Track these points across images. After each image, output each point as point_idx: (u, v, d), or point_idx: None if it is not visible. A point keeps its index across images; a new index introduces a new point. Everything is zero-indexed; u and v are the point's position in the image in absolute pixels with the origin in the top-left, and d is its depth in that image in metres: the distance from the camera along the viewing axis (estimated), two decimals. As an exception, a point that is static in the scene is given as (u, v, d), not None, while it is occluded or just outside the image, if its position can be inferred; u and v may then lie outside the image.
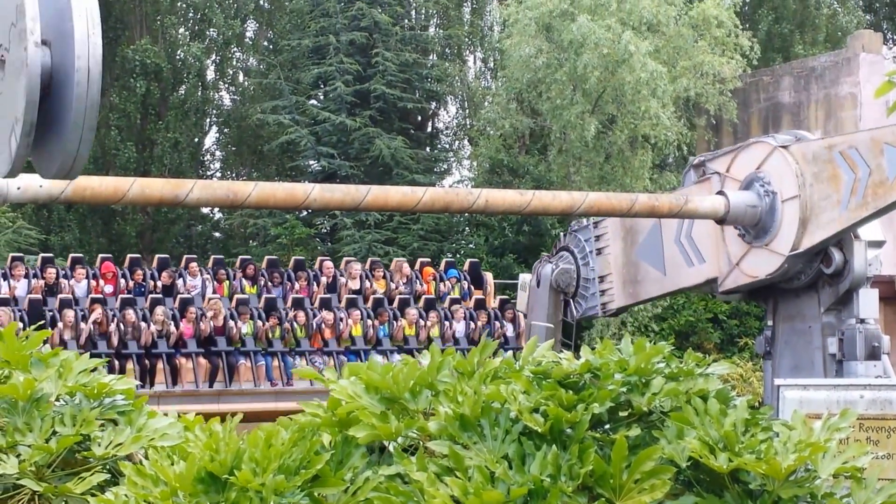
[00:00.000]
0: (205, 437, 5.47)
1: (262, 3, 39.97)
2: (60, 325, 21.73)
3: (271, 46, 38.53)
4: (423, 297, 26.11)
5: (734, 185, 22.54)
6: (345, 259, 27.14)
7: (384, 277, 26.15)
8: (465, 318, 25.52)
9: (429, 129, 40.18)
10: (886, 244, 23.29)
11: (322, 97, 36.07)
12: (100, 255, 25.50)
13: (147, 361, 22.33)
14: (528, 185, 32.26)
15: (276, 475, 5.09)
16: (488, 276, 27.86)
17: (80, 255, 26.44)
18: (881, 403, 16.87)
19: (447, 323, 25.32)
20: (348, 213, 32.01)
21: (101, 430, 5.78)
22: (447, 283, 26.75)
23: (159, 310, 22.79)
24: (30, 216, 32.94)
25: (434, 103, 38.88)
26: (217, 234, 38.62)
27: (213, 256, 26.95)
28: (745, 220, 23.05)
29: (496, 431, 5.31)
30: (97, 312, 22.04)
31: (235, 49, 39.53)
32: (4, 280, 22.61)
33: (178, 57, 37.01)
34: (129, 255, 26.46)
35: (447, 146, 40.32)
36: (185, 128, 36.45)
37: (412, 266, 26.83)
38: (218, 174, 39.46)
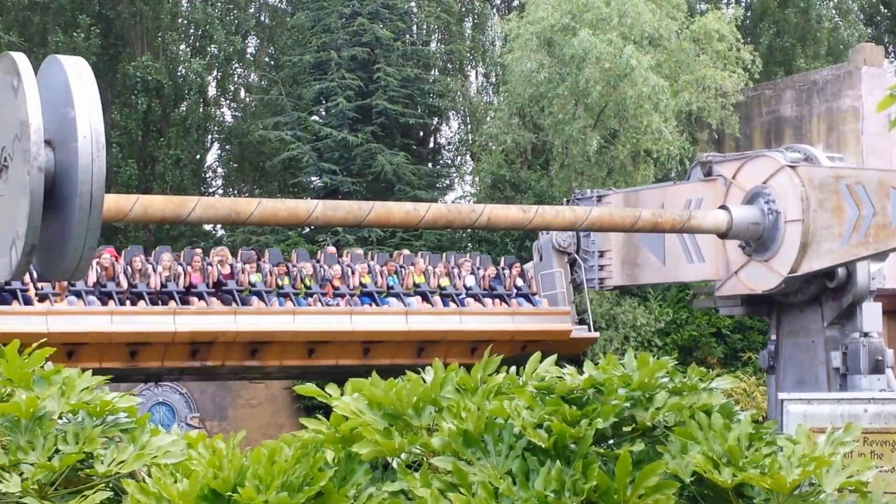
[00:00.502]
0: (208, 454, 5.48)
1: (263, 19, 40.13)
2: None
3: (273, 62, 38.58)
4: (429, 254, 26.42)
5: (739, 193, 22.60)
6: (346, 250, 27.50)
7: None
8: (472, 272, 25.53)
9: (431, 145, 40.23)
10: (889, 258, 23.42)
11: (324, 113, 36.11)
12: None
13: (159, 300, 22.19)
14: (530, 201, 32.31)
15: (280, 492, 5.09)
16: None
17: None
18: (885, 417, 16.86)
19: (456, 269, 25.32)
20: (351, 230, 32.04)
21: (103, 448, 5.77)
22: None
23: (165, 255, 22.76)
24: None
25: (436, 119, 38.91)
26: (219, 251, 38.67)
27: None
28: (747, 235, 23.08)
29: (500, 447, 5.32)
30: (104, 256, 22.00)
31: (237, 65, 39.62)
32: None
33: (179, 73, 37.04)
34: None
35: (449, 161, 40.38)
36: (186, 144, 36.47)
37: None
38: (220, 191, 39.50)
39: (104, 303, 21.81)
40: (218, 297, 22.55)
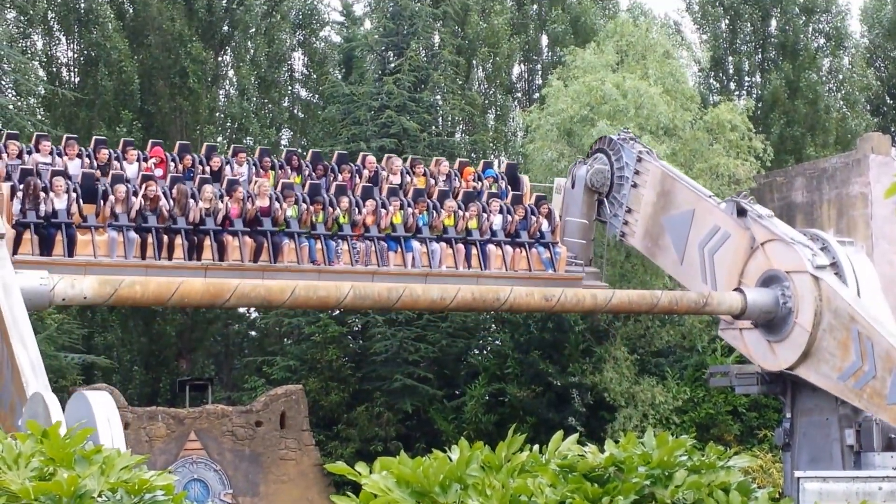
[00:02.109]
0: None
1: (296, 112, 41.07)
2: (112, 198, 22.29)
3: (305, 154, 39.55)
4: (462, 191, 26.75)
5: (762, 261, 23.60)
6: (386, 155, 28.09)
7: (424, 175, 26.81)
8: (501, 212, 26.02)
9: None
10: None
11: None
12: (150, 140, 26.08)
13: (195, 238, 22.85)
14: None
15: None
16: (525, 178, 28.51)
17: (132, 139, 27.03)
18: (900, 495, 17.70)
19: (485, 215, 25.78)
20: (380, 311, 32.89)
21: (141, 525, 5.99)
22: (485, 181, 27.28)
23: (207, 188, 23.26)
24: (74, 315, 34.05)
25: None
26: (253, 333, 39.63)
27: (259, 147, 27.67)
28: (759, 318, 24.20)
29: (524, 525, 5.30)
30: (150, 187, 22.60)
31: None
32: (59, 157, 23.13)
33: None
34: (178, 142, 27.09)
35: None
36: None
37: (451, 165, 27.64)
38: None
39: (143, 237, 22.44)
40: (251, 236, 23.27)
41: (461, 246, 25.51)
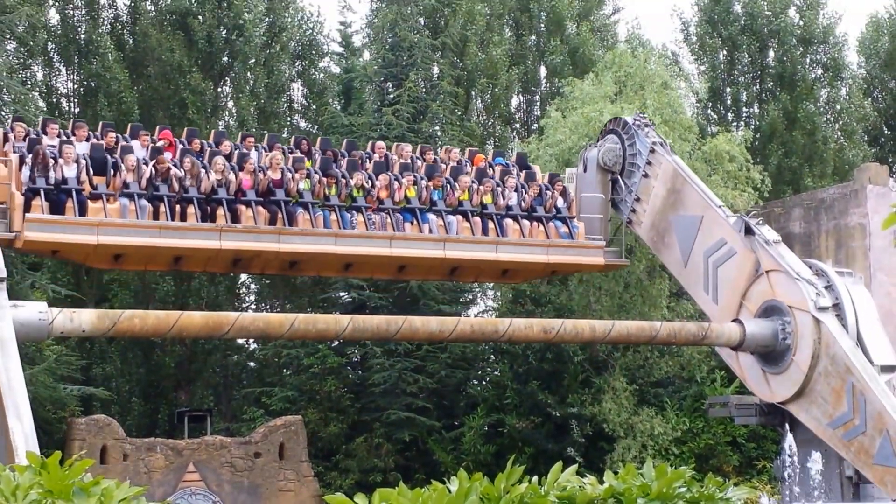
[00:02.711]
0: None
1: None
2: (123, 168, 22.00)
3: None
4: (475, 168, 26.39)
5: (765, 289, 23.53)
6: (395, 143, 27.76)
7: (434, 161, 26.55)
8: (516, 190, 25.56)
9: None
10: (897, 368, 24.26)
11: None
12: (158, 126, 25.97)
13: (208, 207, 22.53)
14: (550, 315, 33.05)
15: None
16: (536, 168, 28.20)
17: (140, 123, 27.07)
18: (898, 526, 17.67)
19: (499, 189, 25.32)
20: (378, 342, 32.92)
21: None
22: (495, 169, 26.97)
23: (219, 160, 22.96)
24: (72, 346, 34.01)
25: None
26: (251, 364, 39.61)
27: (267, 134, 27.59)
28: (756, 350, 24.20)
29: (523, 555, 5.46)
30: (160, 159, 22.32)
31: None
32: (66, 140, 22.73)
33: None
34: (186, 128, 27.08)
35: None
36: None
37: (462, 153, 27.38)
38: (253, 306, 40.52)
39: (154, 206, 22.16)
40: (265, 206, 22.92)
41: (478, 219, 25.03)
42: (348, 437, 33.71)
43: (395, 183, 24.29)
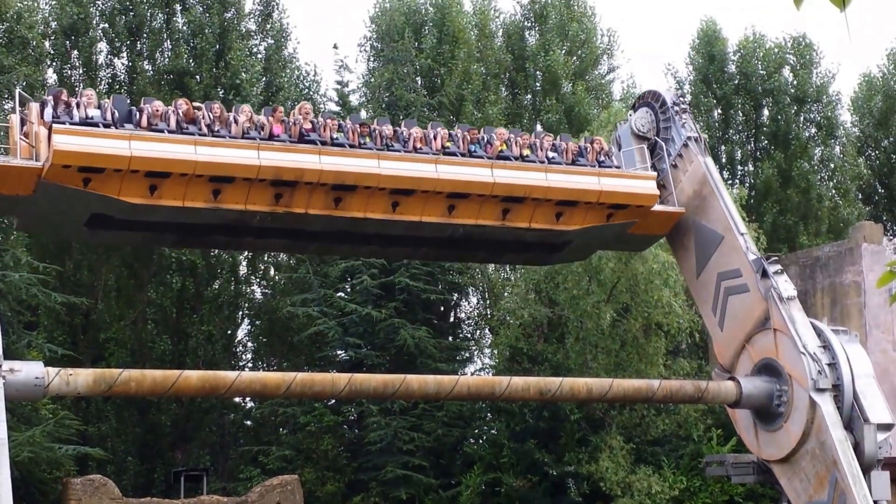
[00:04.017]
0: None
1: (292, 201, 41.36)
2: (149, 110, 20.99)
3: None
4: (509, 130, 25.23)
5: (769, 343, 23.40)
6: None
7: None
8: (553, 148, 24.38)
9: (451, 319, 40.93)
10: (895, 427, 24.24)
11: (349, 290, 36.94)
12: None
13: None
14: (546, 373, 33.04)
15: None
16: None
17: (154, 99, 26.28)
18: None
19: (537, 142, 24.21)
20: (374, 401, 32.84)
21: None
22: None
23: (246, 107, 22.10)
24: (69, 406, 33.92)
25: (456, 294, 39.75)
26: (248, 423, 39.50)
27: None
28: (752, 408, 24.19)
29: None
30: (180, 103, 21.42)
31: (267, 245, 40.85)
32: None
33: (212, 254, 38.20)
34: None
35: (469, 335, 41.05)
36: (218, 321, 37.48)
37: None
38: (250, 364, 40.43)
39: None
40: (301, 143, 21.79)
41: (521, 163, 23.73)
42: (345, 496, 33.58)
43: (431, 134, 23.21)
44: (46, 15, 38.04)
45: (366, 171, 21.91)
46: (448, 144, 23.14)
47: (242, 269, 40.08)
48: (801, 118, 44.57)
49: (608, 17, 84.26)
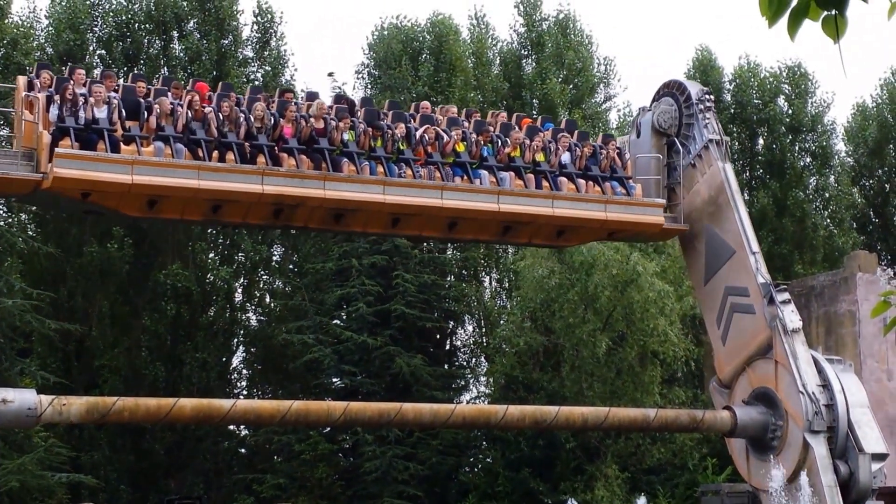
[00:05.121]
0: None
1: (287, 228, 41.47)
2: (157, 110, 20.71)
3: (296, 269, 39.46)
4: (526, 125, 24.78)
5: (769, 373, 23.31)
6: (441, 106, 26.18)
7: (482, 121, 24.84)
8: (570, 150, 24.04)
9: (447, 347, 40.77)
10: (890, 456, 24.21)
11: (345, 317, 36.83)
12: (192, 78, 24.40)
13: (248, 153, 21.16)
14: (542, 401, 32.94)
15: None
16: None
17: (172, 76, 25.28)
18: None
19: (552, 145, 23.87)
20: (369, 429, 32.74)
21: None
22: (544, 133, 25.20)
23: (259, 105, 21.56)
24: (61, 434, 33.80)
25: (452, 322, 39.61)
26: (242, 451, 39.35)
27: (307, 92, 25.64)
28: (746, 437, 24.14)
29: None
30: (195, 99, 20.99)
31: (262, 272, 40.58)
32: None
33: (207, 280, 38.20)
34: (221, 82, 25.80)
35: (464, 363, 40.86)
36: (213, 348, 37.29)
37: (509, 118, 25.68)
38: (244, 392, 40.33)
39: (192, 150, 20.81)
40: (308, 155, 21.52)
41: (531, 176, 23.46)
42: (339, 524, 33.44)
43: (444, 135, 22.91)
44: (42, 41, 38.13)
45: (369, 199, 21.76)
46: (460, 149, 22.91)
47: (238, 297, 40.01)
48: (797, 147, 44.68)
49: (605, 45, 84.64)
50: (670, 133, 24.97)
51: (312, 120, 21.74)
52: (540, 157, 23.61)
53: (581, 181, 23.89)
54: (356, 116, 22.65)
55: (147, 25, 38.79)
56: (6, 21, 36.87)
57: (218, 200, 21.12)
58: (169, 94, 21.58)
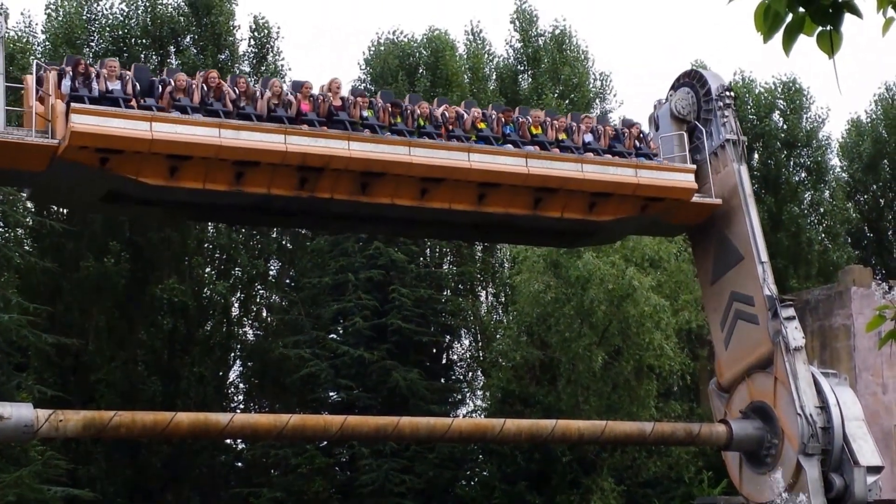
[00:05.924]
0: None
1: (284, 243, 41.18)
2: (172, 84, 20.24)
3: (293, 284, 39.54)
4: (545, 111, 24.45)
5: (768, 389, 23.35)
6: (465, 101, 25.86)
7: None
8: (591, 131, 23.81)
9: (443, 361, 40.69)
10: (885, 469, 24.27)
11: (341, 332, 36.86)
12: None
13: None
14: (538, 415, 32.89)
15: None
16: None
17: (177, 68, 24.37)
18: None
19: (574, 125, 23.56)
20: (366, 443, 32.73)
21: None
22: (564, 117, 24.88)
23: (276, 81, 21.20)
24: (58, 447, 33.74)
25: (448, 336, 39.60)
26: (239, 464, 39.29)
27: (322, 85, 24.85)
28: (741, 451, 24.20)
29: None
30: (210, 75, 20.67)
31: (259, 287, 40.58)
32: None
33: (204, 295, 38.19)
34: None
35: (461, 377, 40.80)
36: (210, 362, 37.27)
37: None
38: (241, 406, 40.27)
39: None
40: (329, 127, 21.02)
41: (556, 150, 22.97)
42: (336, 538, 33.42)
43: (465, 114, 22.53)
44: (39, 56, 38.20)
45: (395, 159, 21.20)
46: (482, 126, 22.47)
47: (235, 311, 40.02)
48: (791, 162, 44.80)
49: (601, 60, 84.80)
50: (689, 119, 24.56)
51: (330, 95, 21.30)
52: (563, 136, 23.25)
53: (608, 157, 23.43)
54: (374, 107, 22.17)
55: (144, 40, 38.87)
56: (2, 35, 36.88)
57: (241, 163, 20.33)
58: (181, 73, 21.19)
